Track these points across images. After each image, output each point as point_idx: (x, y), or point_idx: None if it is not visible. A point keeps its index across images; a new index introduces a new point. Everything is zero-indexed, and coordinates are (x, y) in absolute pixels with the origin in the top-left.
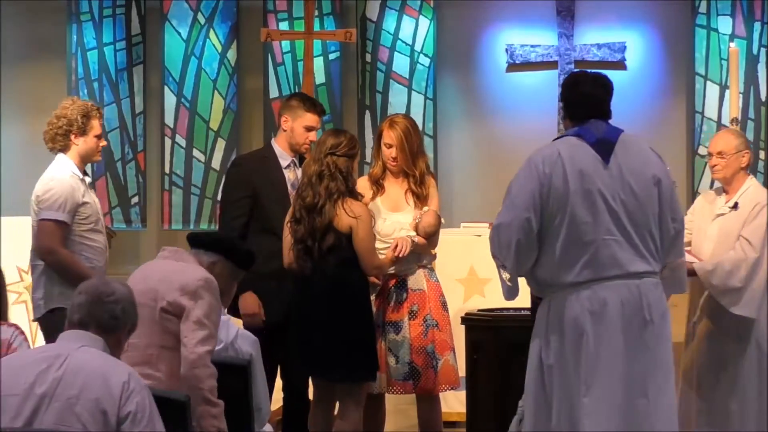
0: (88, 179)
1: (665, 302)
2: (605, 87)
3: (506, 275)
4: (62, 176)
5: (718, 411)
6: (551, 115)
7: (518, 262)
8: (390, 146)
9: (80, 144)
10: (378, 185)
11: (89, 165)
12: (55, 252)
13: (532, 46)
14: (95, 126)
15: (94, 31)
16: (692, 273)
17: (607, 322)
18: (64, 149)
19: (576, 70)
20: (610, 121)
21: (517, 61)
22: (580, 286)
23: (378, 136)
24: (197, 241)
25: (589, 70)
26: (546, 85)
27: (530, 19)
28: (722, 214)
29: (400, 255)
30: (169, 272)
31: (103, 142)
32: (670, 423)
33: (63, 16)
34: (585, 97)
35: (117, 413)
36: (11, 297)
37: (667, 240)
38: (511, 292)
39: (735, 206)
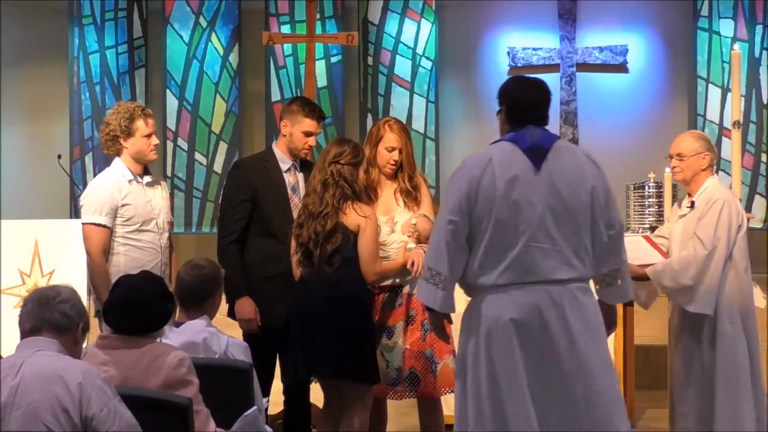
0: (147, 179)
1: (594, 309)
2: (543, 92)
3: (439, 290)
4: (103, 180)
5: (693, 412)
6: (553, 117)
7: (450, 265)
8: (393, 149)
9: (129, 146)
10: (374, 193)
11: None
12: (90, 256)
13: (533, 49)
14: (140, 126)
15: (96, 35)
16: (646, 277)
17: (522, 326)
18: (118, 153)
19: (577, 72)
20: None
21: (518, 64)
22: (500, 289)
23: (374, 142)
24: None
25: (530, 75)
26: None
27: (532, 22)
28: (684, 216)
29: (416, 274)
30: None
31: (155, 141)
32: (596, 426)
33: (65, 19)
34: (522, 102)
35: (79, 412)
36: (12, 300)
37: (600, 248)
38: (445, 300)
39: (692, 206)
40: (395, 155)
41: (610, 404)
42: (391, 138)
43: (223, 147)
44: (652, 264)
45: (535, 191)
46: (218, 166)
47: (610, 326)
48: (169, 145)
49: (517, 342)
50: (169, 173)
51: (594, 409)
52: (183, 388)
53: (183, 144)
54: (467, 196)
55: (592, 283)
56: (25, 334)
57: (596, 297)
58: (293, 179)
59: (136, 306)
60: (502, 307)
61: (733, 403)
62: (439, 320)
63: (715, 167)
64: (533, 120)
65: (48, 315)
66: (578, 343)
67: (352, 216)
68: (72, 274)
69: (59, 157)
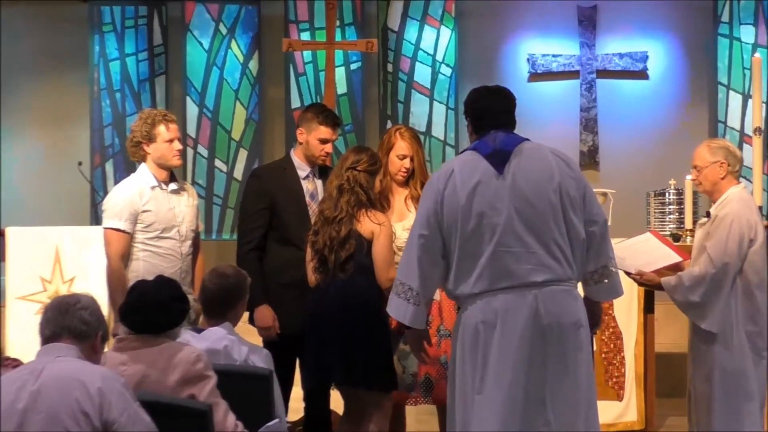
0: (172, 186)
1: (577, 310)
2: (503, 98)
3: (409, 303)
4: (125, 185)
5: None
6: (573, 124)
7: (421, 279)
8: (403, 157)
9: (152, 152)
10: (386, 200)
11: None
12: (110, 260)
13: (553, 55)
14: (162, 132)
15: (116, 42)
16: (661, 287)
17: (499, 331)
18: (143, 159)
19: (597, 79)
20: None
21: (538, 71)
22: (477, 297)
23: (385, 150)
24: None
25: (490, 85)
26: (568, 94)
27: (552, 28)
28: (703, 225)
29: None
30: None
31: (178, 146)
32: (571, 426)
33: (85, 27)
34: (482, 110)
35: (99, 417)
36: (33, 307)
37: (580, 245)
38: (416, 315)
39: (708, 216)
40: (406, 163)
41: (573, 410)
42: (402, 146)
43: (243, 154)
44: (667, 265)
45: (499, 196)
46: (238, 173)
47: (594, 325)
48: (189, 152)
49: (482, 346)
50: (189, 180)
51: (561, 416)
52: (201, 383)
53: (203, 151)
54: (434, 210)
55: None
56: (45, 340)
57: (580, 296)
58: (311, 186)
59: (151, 307)
60: (476, 315)
61: (733, 419)
62: (415, 336)
63: (738, 174)
64: (496, 126)
65: (68, 322)
66: (561, 347)
67: (366, 223)
68: (93, 281)
69: (80, 164)
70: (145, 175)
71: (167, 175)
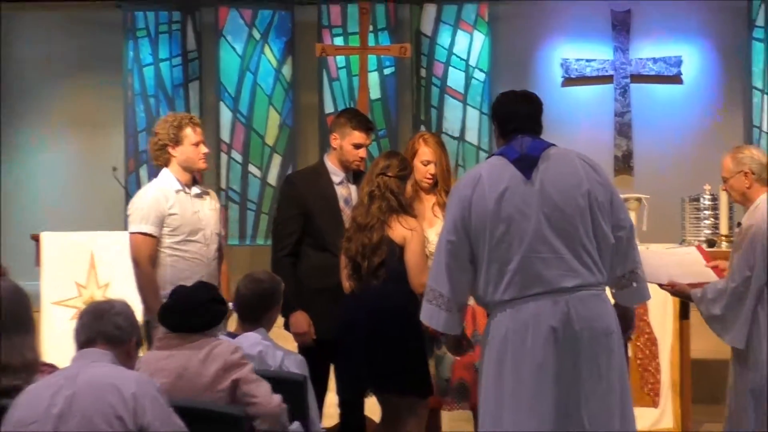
0: (196, 189)
1: (608, 314)
2: (529, 102)
3: (442, 311)
4: (149, 189)
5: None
6: (607, 128)
7: (451, 285)
8: (427, 163)
9: (178, 154)
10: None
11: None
12: (138, 265)
13: (587, 60)
14: (189, 134)
15: (150, 47)
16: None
17: (530, 338)
18: (167, 163)
19: (631, 84)
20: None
21: (572, 76)
22: (506, 304)
23: (410, 156)
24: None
25: (518, 90)
26: (602, 99)
27: (585, 33)
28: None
29: None
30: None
31: (204, 149)
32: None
33: (119, 32)
34: (509, 114)
35: (133, 421)
36: (68, 312)
37: (609, 250)
38: (449, 321)
39: (738, 225)
40: (431, 169)
41: (608, 414)
42: (426, 152)
43: (277, 159)
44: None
45: (527, 201)
46: (272, 179)
47: (626, 329)
48: (223, 157)
49: (512, 353)
50: (223, 185)
51: (596, 420)
52: (239, 369)
53: (237, 156)
54: (461, 216)
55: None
56: (80, 346)
57: (610, 301)
58: (345, 191)
59: (190, 307)
60: (509, 325)
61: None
62: (453, 339)
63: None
64: (523, 130)
65: (102, 327)
66: (593, 352)
67: (398, 229)
68: (128, 285)
69: (114, 169)
70: (168, 178)
71: (190, 179)
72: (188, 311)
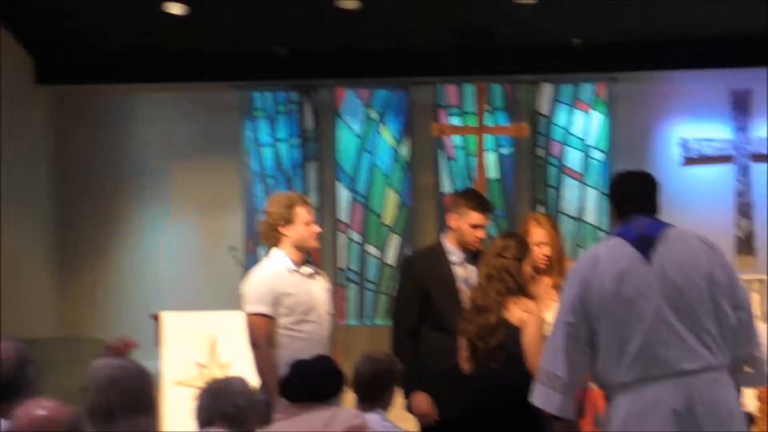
0: (307, 269)
1: (731, 398)
2: (646, 182)
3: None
4: (263, 270)
5: None
6: (728, 209)
7: (568, 368)
8: (541, 244)
9: (290, 234)
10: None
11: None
12: (256, 347)
13: (706, 139)
14: (301, 213)
15: (268, 128)
16: None
17: (652, 422)
18: (278, 243)
19: (753, 163)
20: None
21: (692, 155)
22: (627, 387)
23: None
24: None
25: (635, 169)
26: (722, 178)
27: (705, 112)
28: None
29: None
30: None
31: (315, 228)
32: None
33: (237, 113)
34: (625, 195)
35: None
36: (190, 392)
37: (730, 331)
38: (564, 405)
39: None
40: (545, 250)
41: None
42: (539, 233)
43: (394, 239)
44: None
45: (647, 283)
46: (390, 258)
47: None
48: (340, 236)
49: None
50: (341, 265)
51: None
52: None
53: (355, 236)
54: (579, 297)
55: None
56: (200, 425)
57: (733, 384)
58: (464, 272)
59: (310, 377)
60: (629, 408)
61: None
62: (567, 426)
63: None
64: (640, 210)
65: (220, 407)
66: None
67: (515, 311)
68: (249, 365)
69: (232, 248)
70: (281, 258)
71: (303, 258)
72: (308, 381)
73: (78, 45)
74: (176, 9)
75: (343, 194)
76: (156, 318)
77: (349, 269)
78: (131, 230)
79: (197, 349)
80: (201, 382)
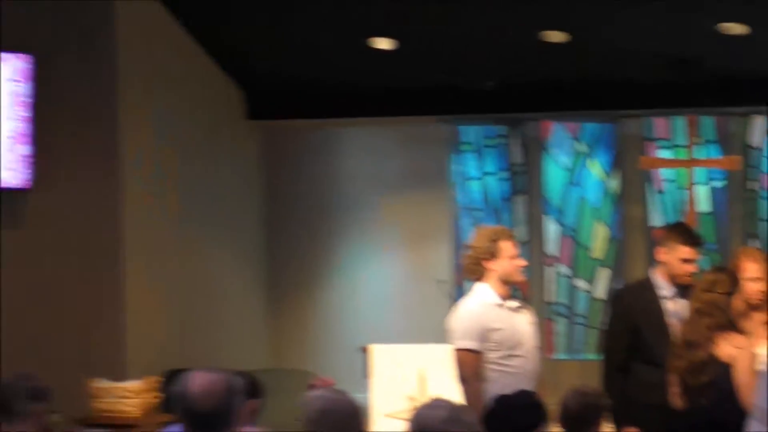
0: (513, 303)
1: None
2: None
3: None
4: (469, 305)
5: None
6: None
7: None
8: (755, 279)
9: (495, 268)
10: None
11: None
12: (465, 382)
13: None
14: (505, 247)
15: (475, 161)
16: None
17: None
18: (482, 277)
19: None
20: None
21: None
22: None
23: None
24: None
25: None
26: None
27: None
28: None
29: None
30: None
31: (521, 262)
32: None
33: (444, 146)
34: None
35: None
36: (401, 425)
37: None
38: None
39: None
40: (759, 285)
41: None
42: (752, 268)
43: (604, 272)
44: None
45: None
46: (600, 292)
47: None
48: (549, 270)
49: None
50: (549, 299)
51: None
52: None
53: (564, 270)
54: None
55: None
56: None
57: None
58: (674, 306)
59: (512, 411)
60: None
61: None
62: None
63: None
64: None
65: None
66: None
67: (726, 347)
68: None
69: (440, 282)
70: (487, 292)
71: (508, 292)
72: (510, 415)
73: (287, 81)
74: (384, 44)
75: (551, 228)
76: (365, 350)
77: (558, 303)
78: (339, 262)
79: (407, 382)
80: (410, 415)
